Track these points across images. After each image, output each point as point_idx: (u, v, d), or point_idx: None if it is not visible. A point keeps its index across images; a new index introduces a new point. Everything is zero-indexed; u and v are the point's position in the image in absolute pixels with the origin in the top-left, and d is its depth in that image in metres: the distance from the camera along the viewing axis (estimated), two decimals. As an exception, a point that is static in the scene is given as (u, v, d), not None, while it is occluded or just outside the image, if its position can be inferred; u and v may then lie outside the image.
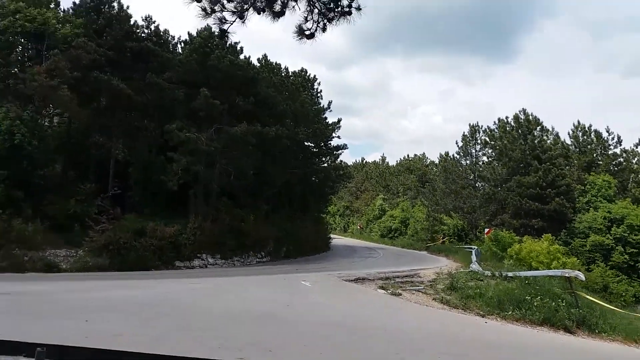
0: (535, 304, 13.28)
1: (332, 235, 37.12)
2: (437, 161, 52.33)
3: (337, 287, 14.56)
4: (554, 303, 13.42)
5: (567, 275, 15.63)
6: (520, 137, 38.87)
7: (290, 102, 26.43)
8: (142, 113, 21.11)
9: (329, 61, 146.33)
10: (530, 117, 40.19)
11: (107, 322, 7.99)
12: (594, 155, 42.17)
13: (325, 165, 33.31)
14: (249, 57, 25.33)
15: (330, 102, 33.07)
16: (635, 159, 42.20)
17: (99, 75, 18.31)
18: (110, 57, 19.36)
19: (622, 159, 42.26)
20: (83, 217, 16.59)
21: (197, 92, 19.27)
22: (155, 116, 21.55)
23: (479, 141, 42.77)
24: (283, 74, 31.07)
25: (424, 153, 73.15)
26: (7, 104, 17.32)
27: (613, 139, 42.19)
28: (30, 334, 5.94)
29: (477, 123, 43.69)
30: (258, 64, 28.68)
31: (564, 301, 13.82)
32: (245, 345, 7.15)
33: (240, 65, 21.23)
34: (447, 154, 47.82)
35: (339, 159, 35.32)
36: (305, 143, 29.36)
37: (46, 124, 21.10)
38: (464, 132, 43.77)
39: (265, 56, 30.95)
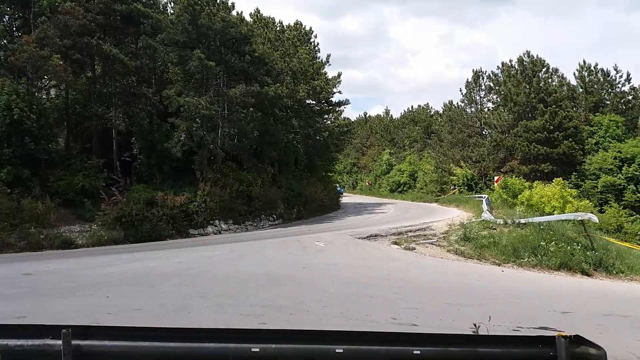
0: (551, 249, 13.25)
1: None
2: (441, 110, 51.62)
3: (351, 246, 14.56)
4: (569, 247, 13.40)
5: (580, 218, 15.55)
6: (525, 80, 37.92)
7: (288, 59, 25.64)
8: (138, 78, 20.58)
9: (322, 10, 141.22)
10: (535, 59, 39.06)
11: (127, 297, 7.99)
12: (601, 95, 41.18)
13: (329, 122, 32.77)
14: (242, 12, 24.45)
15: (328, 56, 32.03)
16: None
17: (90, 41, 17.67)
18: (99, 21, 18.65)
19: (631, 97, 41.28)
20: (92, 191, 16.47)
21: (191, 53, 18.67)
22: (152, 82, 21.02)
23: (483, 87, 41.88)
24: (277, 29, 30.04)
25: (427, 103, 72.24)
26: (0, 78, 16.80)
27: (621, 76, 41.07)
28: (55, 315, 5.90)
29: (481, 68, 42.72)
30: (251, 19, 27.69)
31: (579, 244, 13.80)
32: (266, 310, 7.12)
33: (233, 23, 20.36)
34: (451, 102, 47.07)
35: (342, 115, 34.73)
36: (307, 101, 28.72)
37: (43, 97, 20.63)
38: (467, 79, 42.93)
39: (257, 10, 29.92)
